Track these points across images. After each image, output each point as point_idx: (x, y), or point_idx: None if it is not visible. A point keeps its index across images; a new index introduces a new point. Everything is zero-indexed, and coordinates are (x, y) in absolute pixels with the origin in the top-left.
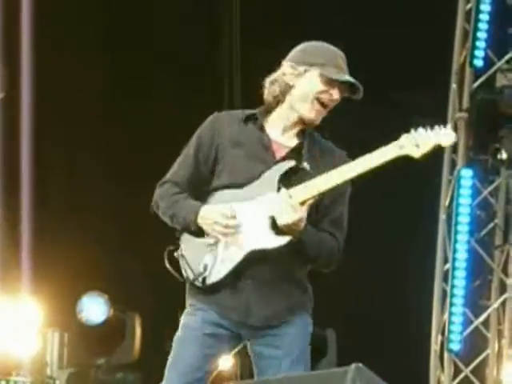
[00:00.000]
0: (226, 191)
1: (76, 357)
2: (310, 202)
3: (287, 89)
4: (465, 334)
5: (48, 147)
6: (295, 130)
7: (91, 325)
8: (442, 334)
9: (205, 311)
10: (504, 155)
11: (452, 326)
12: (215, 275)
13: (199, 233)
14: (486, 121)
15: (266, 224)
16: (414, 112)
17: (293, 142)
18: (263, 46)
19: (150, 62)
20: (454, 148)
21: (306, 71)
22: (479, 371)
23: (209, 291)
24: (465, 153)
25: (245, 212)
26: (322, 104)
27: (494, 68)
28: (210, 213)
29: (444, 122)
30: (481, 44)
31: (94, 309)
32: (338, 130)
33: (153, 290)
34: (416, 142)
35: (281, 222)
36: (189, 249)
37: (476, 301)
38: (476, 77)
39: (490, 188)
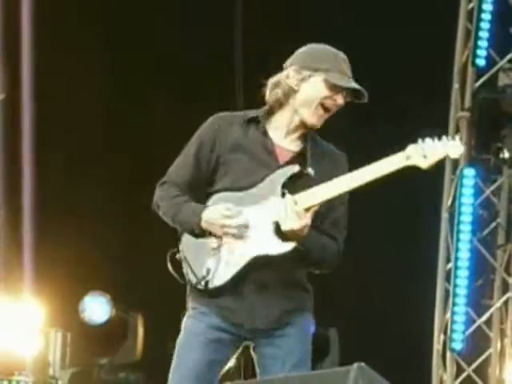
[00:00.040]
0: (229, 194)
1: (78, 357)
2: (315, 208)
3: (291, 93)
4: (467, 333)
5: (48, 148)
6: (297, 134)
7: (93, 324)
8: (445, 333)
9: (208, 316)
10: (506, 154)
11: (454, 326)
12: (218, 279)
13: (201, 235)
14: (489, 120)
15: (270, 229)
16: (416, 116)
17: (295, 145)
18: (264, 48)
19: (151, 63)
20: None
21: (310, 76)
22: (482, 370)
23: (211, 295)
24: (467, 152)
25: (248, 216)
26: (326, 109)
27: (496, 67)
28: (213, 213)
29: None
30: (483, 43)
31: (97, 308)
32: (337, 131)
33: (155, 289)
34: (424, 153)
35: (285, 227)
36: (190, 251)
37: (478, 300)
38: (478, 76)
39: (493, 187)
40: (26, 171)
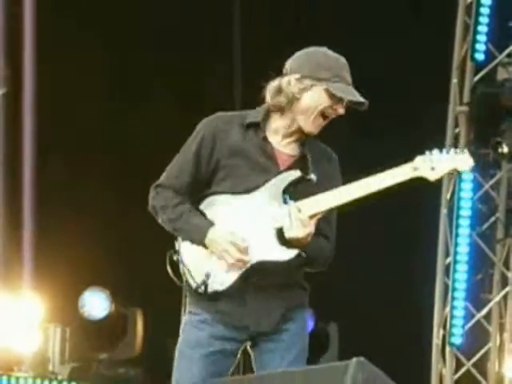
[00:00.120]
0: (228, 199)
1: (78, 352)
2: (319, 216)
3: (292, 100)
4: (466, 327)
5: (49, 147)
6: (294, 137)
7: (93, 320)
8: (444, 327)
9: (209, 324)
10: (505, 149)
11: (454, 320)
12: (220, 284)
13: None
14: (487, 114)
15: (272, 235)
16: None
17: (293, 149)
18: (264, 50)
19: (151, 63)
20: (455, 142)
21: (312, 86)
22: (481, 365)
23: (211, 299)
24: (466, 147)
25: (249, 222)
26: (325, 117)
27: (495, 61)
28: (224, 239)
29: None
30: (482, 38)
31: (96, 304)
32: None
33: (155, 285)
34: (432, 165)
35: (290, 235)
36: (190, 253)
37: (478, 294)
38: (477, 70)
39: (492, 182)
40: (26, 169)
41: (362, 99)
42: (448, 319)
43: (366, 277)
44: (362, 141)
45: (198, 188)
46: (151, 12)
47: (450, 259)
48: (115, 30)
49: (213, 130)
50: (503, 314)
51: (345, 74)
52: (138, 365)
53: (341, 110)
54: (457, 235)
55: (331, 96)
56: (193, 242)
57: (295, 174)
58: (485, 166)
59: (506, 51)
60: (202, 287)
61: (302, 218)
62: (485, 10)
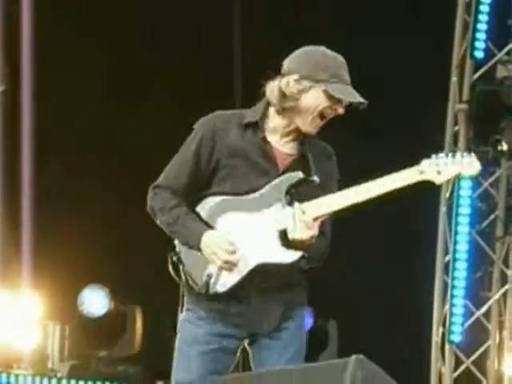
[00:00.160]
0: (229, 200)
1: (77, 349)
2: (323, 218)
3: (290, 101)
4: (466, 325)
5: (48, 147)
6: (292, 137)
7: (92, 317)
8: (443, 325)
9: (207, 322)
10: (505, 146)
11: (453, 318)
12: (221, 285)
13: None
14: (487, 112)
15: (275, 237)
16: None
17: (292, 148)
18: (264, 50)
19: (150, 63)
20: (455, 140)
21: (311, 87)
22: (480, 363)
23: (212, 299)
24: (465, 144)
25: (251, 223)
26: (324, 117)
27: (495, 59)
28: (212, 242)
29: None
30: (481, 36)
31: (95, 301)
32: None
33: (154, 282)
34: (438, 169)
35: (294, 237)
36: (189, 254)
37: (477, 292)
38: (476, 68)
39: (491, 179)
40: (25, 168)
41: (361, 99)
42: (447, 317)
43: (366, 274)
44: (362, 140)
45: (198, 187)
46: (151, 12)
47: (449, 257)
48: (114, 29)
49: (212, 129)
50: (502, 312)
51: (343, 73)
52: (138, 362)
53: (340, 110)
54: (456, 233)
55: (330, 97)
56: (189, 246)
57: (298, 175)
58: (484, 164)
59: (506, 49)
60: (204, 288)
61: (306, 220)
62: (484, 8)
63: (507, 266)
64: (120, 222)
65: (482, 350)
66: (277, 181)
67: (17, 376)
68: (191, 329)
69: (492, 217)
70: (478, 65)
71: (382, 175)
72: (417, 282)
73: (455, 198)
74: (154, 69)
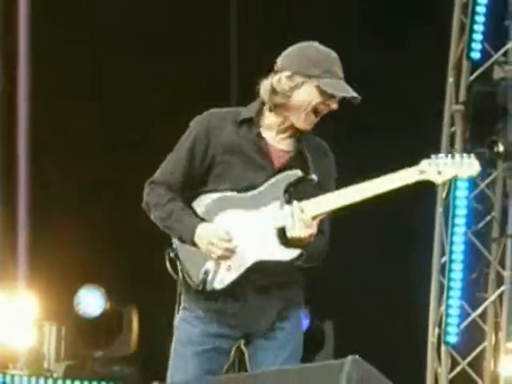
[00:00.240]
0: (226, 197)
1: (73, 349)
2: (322, 216)
3: (283, 98)
4: (462, 326)
5: (44, 149)
6: (288, 133)
7: (88, 318)
8: (439, 326)
9: (204, 322)
10: (501, 148)
11: (449, 319)
12: (218, 282)
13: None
14: (483, 113)
15: (273, 235)
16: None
17: (289, 144)
18: (261, 50)
19: (145, 64)
20: (451, 141)
21: (303, 83)
22: (476, 364)
23: (208, 297)
24: (462, 145)
25: (249, 221)
26: (318, 113)
27: (491, 60)
28: (207, 233)
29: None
30: (478, 37)
31: (91, 302)
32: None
33: (150, 282)
34: (438, 169)
35: (292, 235)
36: (186, 250)
37: (473, 293)
38: (473, 69)
39: (487, 181)
40: (21, 171)
41: (354, 94)
42: (443, 318)
43: (362, 275)
44: (359, 140)
45: (192, 185)
46: (147, 12)
47: (445, 258)
48: (109, 31)
49: (206, 127)
50: (498, 313)
51: (336, 68)
52: (133, 362)
53: (334, 106)
54: (452, 234)
55: (322, 92)
56: (183, 241)
57: (297, 174)
58: (481, 165)
59: (502, 50)
60: (201, 285)
61: (304, 218)
62: (481, 9)
63: (503, 267)
64: (117, 222)
65: (477, 351)
66: (275, 179)
67: (12, 376)
68: (187, 328)
69: (488, 218)
70: (474, 66)
71: (379, 175)
72: (413, 282)
73: (451, 199)
74: (151, 69)
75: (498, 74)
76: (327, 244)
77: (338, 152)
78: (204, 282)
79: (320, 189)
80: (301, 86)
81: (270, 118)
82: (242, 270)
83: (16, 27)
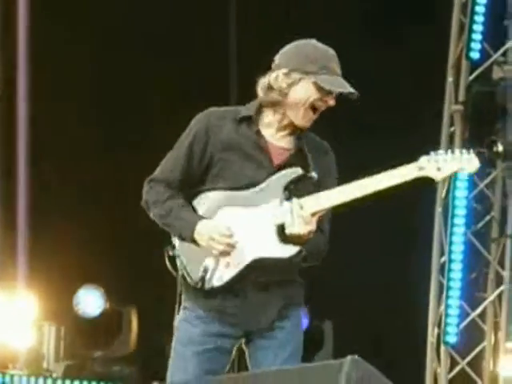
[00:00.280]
0: (226, 195)
1: (72, 350)
2: (321, 213)
3: (281, 95)
4: (461, 326)
5: (43, 152)
6: (288, 131)
7: (88, 318)
8: (439, 326)
9: (205, 321)
10: (500, 148)
11: (448, 319)
12: (217, 280)
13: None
14: (482, 113)
15: (273, 232)
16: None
17: (289, 142)
18: (260, 50)
19: (145, 65)
20: (451, 140)
21: (300, 80)
22: (476, 364)
23: (208, 295)
24: (461, 145)
25: (248, 218)
26: (316, 110)
27: (491, 60)
28: (207, 229)
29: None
30: (477, 36)
31: (91, 302)
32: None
33: (149, 282)
34: (438, 165)
35: (291, 232)
36: (186, 248)
37: (472, 293)
38: (472, 69)
39: (487, 181)
40: (20, 174)
41: (351, 89)
42: (443, 318)
43: (361, 275)
44: (358, 140)
45: (191, 184)
46: (146, 12)
47: (444, 258)
48: (109, 31)
49: (206, 125)
50: (498, 313)
51: (333, 65)
52: (133, 362)
53: (331, 102)
54: (452, 234)
55: (319, 88)
56: (182, 238)
57: (297, 171)
58: (480, 165)
59: (502, 50)
60: (200, 283)
61: (304, 215)
62: (480, 9)
63: (502, 267)
64: (116, 223)
65: (477, 350)
66: (275, 176)
67: (12, 376)
68: (187, 328)
69: (487, 218)
70: (473, 66)
71: (378, 172)
72: (412, 282)
73: (451, 199)
74: (150, 69)
75: (497, 73)
76: (327, 243)
77: (338, 152)
78: (203, 279)
79: (320, 187)
80: (298, 82)
81: (269, 117)
82: (241, 267)
83: (15, 27)
